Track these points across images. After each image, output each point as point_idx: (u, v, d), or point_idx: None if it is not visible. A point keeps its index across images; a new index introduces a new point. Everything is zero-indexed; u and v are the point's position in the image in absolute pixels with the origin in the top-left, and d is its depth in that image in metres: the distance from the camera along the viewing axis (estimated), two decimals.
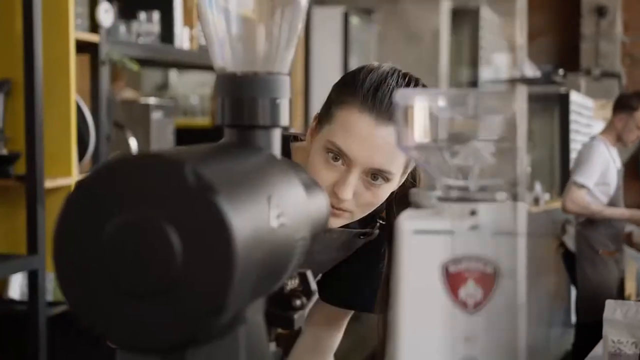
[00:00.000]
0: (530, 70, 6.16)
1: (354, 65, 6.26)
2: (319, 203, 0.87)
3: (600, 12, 9.34)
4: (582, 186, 4.22)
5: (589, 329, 4.31)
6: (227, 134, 0.84)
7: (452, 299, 0.70)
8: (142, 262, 0.63)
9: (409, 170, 1.36)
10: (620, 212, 4.38)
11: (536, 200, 6.28)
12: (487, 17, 7.62)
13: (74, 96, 2.56)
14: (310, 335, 1.46)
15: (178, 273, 0.62)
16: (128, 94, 4.05)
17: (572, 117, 7.18)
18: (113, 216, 0.63)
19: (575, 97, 7.21)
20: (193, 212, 0.62)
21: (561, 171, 7.37)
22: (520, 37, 6.52)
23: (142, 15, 3.14)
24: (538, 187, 6.63)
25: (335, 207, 1.29)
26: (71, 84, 2.54)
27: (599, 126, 8.48)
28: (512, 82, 5.67)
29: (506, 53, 7.78)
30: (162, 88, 5.61)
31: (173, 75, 5.66)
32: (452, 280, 0.70)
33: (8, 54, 2.50)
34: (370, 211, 1.33)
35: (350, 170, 1.27)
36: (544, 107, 6.55)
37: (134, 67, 2.89)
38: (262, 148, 0.81)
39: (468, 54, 7.56)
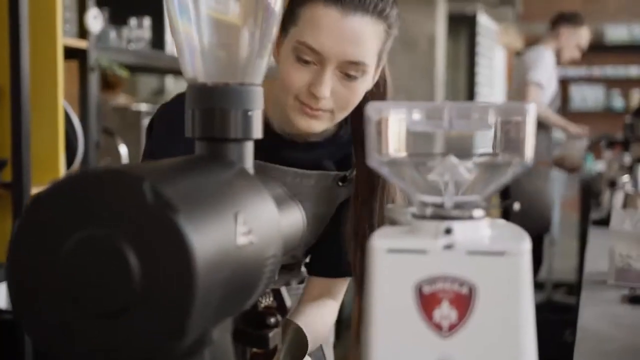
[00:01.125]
0: None
1: None
2: (292, 218, 0.84)
3: None
4: (540, 86, 4.26)
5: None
6: (198, 146, 0.82)
7: (426, 321, 0.67)
8: (100, 281, 0.60)
9: (382, 64, 1.33)
10: (564, 122, 4.48)
11: None
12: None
13: (61, 102, 2.53)
14: (309, 311, 1.41)
15: (136, 293, 0.59)
16: (122, 99, 4.03)
17: (478, 39, 7.29)
18: (71, 232, 0.61)
19: (482, 20, 7.30)
20: (152, 230, 0.59)
21: (467, 93, 7.51)
22: None
23: (133, 21, 3.11)
24: None
25: (314, 108, 1.26)
26: (59, 90, 2.51)
27: (500, 51, 8.63)
28: None
29: None
30: (158, 93, 5.58)
31: (169, 80, 5.63)
32: (426, 301, 0.67)
33: None
34: (348, 110, 1.30)
35: (324, 67, 1.24)
36: (452, 27, 6.63)
37: (124, 73, 2.87)
38: (233, 162, 0.78)
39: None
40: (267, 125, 1.37)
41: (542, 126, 4.38)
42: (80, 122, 2.68)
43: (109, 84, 3.89)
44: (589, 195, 4.93)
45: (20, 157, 2.37)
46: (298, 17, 1.25)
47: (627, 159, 4.11)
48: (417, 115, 0.70)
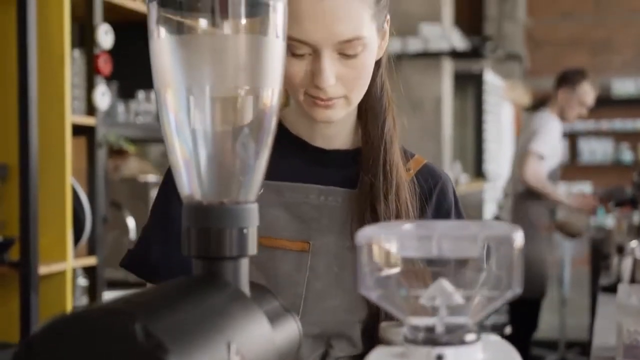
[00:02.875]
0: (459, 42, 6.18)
1: None
2: (287, 332, 0.85)
3: None
4: (541, 157, 4.24)
5: (522, 305, 4.28)
6: (194, 264, 0.82)
7: None
8: None
9: (386, 25, 1.25)
10: (562, 196, 4.46)
11: (456, 181, 6.31)
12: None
13: (69, 180, 2.56)
14: None
15: None
16: (133, 164, 4.06)
17: (485, 97, 7.33)
18: None
19: (488, 77, 7.34)
20: None
21: (475, 151, 7.52)
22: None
23: (141, 94, 3.15)
24: (458, 167, 6.68)
25: (325, 99, 1.17)
26: (67, 168, 2.54)
27: (507, 106, 8.69)
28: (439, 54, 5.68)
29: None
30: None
31: None
32: None
33: (3, 138, 2.51)
34: (363, 89, 1.20)
35: (319, 55, 1.14)
36: (458, 85, 6.65)
37: (130, 148, 2.90)
38: (228, 282, 0.79)
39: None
40: (295, 137, 1.29)
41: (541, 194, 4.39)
42: (88, 197, 2.70)
43: (119, 150, 3.92)
44: (599, 255, 4.91)
45: (28, 236, 2.39)
46: None
47: (637, 217, 4.10)
48: (407, 242, 0.71)
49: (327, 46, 1.14)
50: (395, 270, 0.73)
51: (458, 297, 0.71)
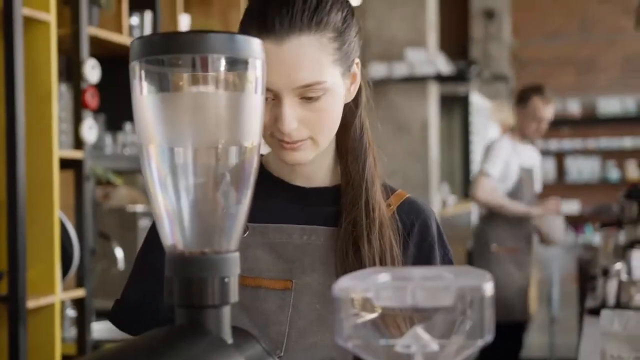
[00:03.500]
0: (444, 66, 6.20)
1: None
2: None
3: (489, 15, 9.58)
4: (488, 174, 4.26)
5: (506, 328, 4.28)
6: (177, 313, 0.85)
7: None
8: None
9: (355, 68, 1.25)
10: (522, 207, 4.34)
11: (444, 203, 6.33)
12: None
13: (57, 214, 2.57)
14: None
15: None
16: (122, 192, 4.07)
17: (471, 118, 7.38)
18: None
19: (474, 99, 7.41)
20: None
21: (463, 172, 7.57)
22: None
23: (128, 126, 3.18)
24: (445, 188, 6.71)
25: (290, 142, 1.19)
26: (55, 202, 2.56)
27: (494, 127, 8.76)
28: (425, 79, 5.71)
29: None
30: None
31: None
32: None
33: None
34: (329, 131, 1.22)
35: (280, 100, 1.16)
36: (445, 107, 6.69)
37: (118, 181, 2.92)
38: (209, 331, 0.81)
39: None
40: (276, 179, 1.32)
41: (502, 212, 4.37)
42: (76, 230, 2.71)
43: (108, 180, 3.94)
44: (586, 274, 4.93)
45: (16, 270, 2.40)
46: None
47: (622, 238, 4.13)
48: (383, 292, 0.73)
49: (287, 91, 1.16)
50: (372, 319, 0.75)
51: (433, 345, 0.74)
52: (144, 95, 0.84)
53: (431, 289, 0.73)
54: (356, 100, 1.30)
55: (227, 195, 0.87)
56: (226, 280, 0.84)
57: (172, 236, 0.86)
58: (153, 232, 1.33)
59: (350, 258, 1.24)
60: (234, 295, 0.85)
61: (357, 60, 1.27)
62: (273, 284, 1.25)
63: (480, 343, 0.73)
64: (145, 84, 0.84)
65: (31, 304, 2.47)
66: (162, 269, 1.20)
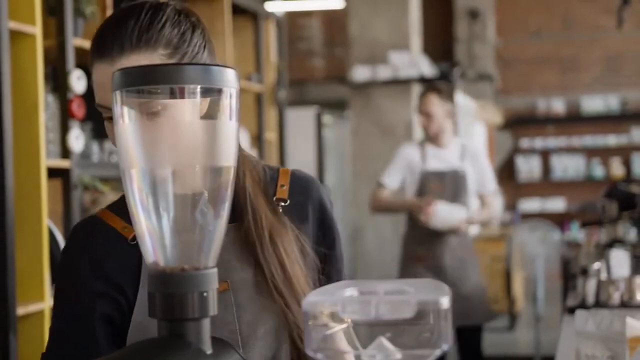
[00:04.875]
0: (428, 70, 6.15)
1: (328, 161, 6.43)
2: None
3: (473, 15, 9.67)
4: (382, 185, 4.19)
5: (465, 332, 4.26)
6: (159, 326, 0.91)
7: None
8: None
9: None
10: (408, 200, 4.17)
11: None
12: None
13: (45, 222, 2.62)
14: None
15: None
16: (110, 198, 4.11)
17: (457, 118, 7.42)
18: None
19: (459, 99, 7.47)
20: None
21: None
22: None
23: None
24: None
25: None
26: (43, 211, 2.60)
27: (479, 127, 8.83)
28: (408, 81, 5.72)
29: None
30: None
31: None
32: None
33: None
34: None
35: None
36: None
37: (105, 189, 2.97)
38: (189, 342, 0.87)
39: None
40: None
41: (411, 220, 4.20)
42: (64, 237, 2.76)
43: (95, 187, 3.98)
44: (570, 272, 4.99)
45: (5, 277, 2.45)
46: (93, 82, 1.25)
47: (604, 236, 4.19)
48: (348, 306, 0.79)
49: None
50: (338, 330, 0.81)
51: (397, 354, 0.80)
52: (125, 122, 0.90)
53: (394, 302, 0.79)
54: None
55: (205, 215, 0.93)
56: (205, 294, 0.90)
57: (153, 254, 0.92)
58: (72, 273, 1.30)
59: (267, 249, 1.28)
60: (212, 308, 0.91)
61: None
62: None
63: (438, 352, 0.79)
64: (126, 112, 0.89)
65: (21, 310, 2.52)
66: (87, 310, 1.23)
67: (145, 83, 0.89)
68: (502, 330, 6.97)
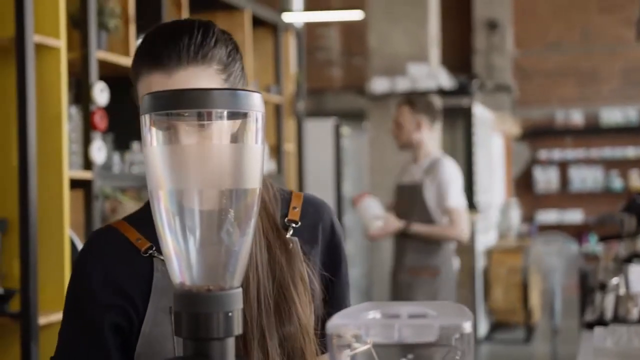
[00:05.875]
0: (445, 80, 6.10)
1: (347, 172, 6.44)
2: None
3: (492, 26, 9.64)
4: None
5: None
6: (184, 345, 0.92)
7: None
8: None
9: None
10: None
11: None
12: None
13: (67, 232, 2.65)
14: None
15: None
16: (129, 207, 4.14)
17: (474, 129, 7.43)
18: None
19: (477, 110, 7.46)
20: None
21: (467, 183, 7.61)
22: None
23: (136, 145, 3.26)
24: None
25: None
26: (65, 221, 2.64)
27: (497, 137, 8.79)
28: (427, 93, 5.72)
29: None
30: None
31: None
32: None
33: (4, 194, 2.61)
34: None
35: (175, 130, 1.12)
36: (448, 119, 6.72)
37: (125, 199, 3.00)
38: None
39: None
40: None
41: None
42: None
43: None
44: (587, 285, 4.98)
45: (28, 287, 2.48)
46: (139, 93, 1.26)
47: (622, 250, 4.17)
48: (372, 329, 0.81)
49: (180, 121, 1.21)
50: (361, 352, 0.83)
51: None
52: (153, 145, 0.92)
53: (416, 326, 0.81)
54: None
55: (231, 235, 0.95)
56: (230, 314, 0.91)
57: (180, 274, 0.94)
58: (83, 280, 1.31)
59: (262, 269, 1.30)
60: (237, 328, 0.92)
61: None
62: None
63: None
64: (154, 136, 0.91)
65: (43, 320, 2.55)
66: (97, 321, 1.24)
67: (174, 107, 0.91)
68: (519, 343, 6.95)
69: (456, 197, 4.11)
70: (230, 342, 0.92)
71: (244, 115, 0.91)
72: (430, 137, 4.25)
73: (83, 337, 1.29)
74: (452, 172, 4.17)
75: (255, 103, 0.92)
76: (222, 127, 0.90)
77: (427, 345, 0.81)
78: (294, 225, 1.35)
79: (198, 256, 0.93)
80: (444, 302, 0.87)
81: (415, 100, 4.32)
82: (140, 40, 1.30)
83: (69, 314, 1.33)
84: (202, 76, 1.24)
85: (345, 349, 0.82)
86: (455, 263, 4.34)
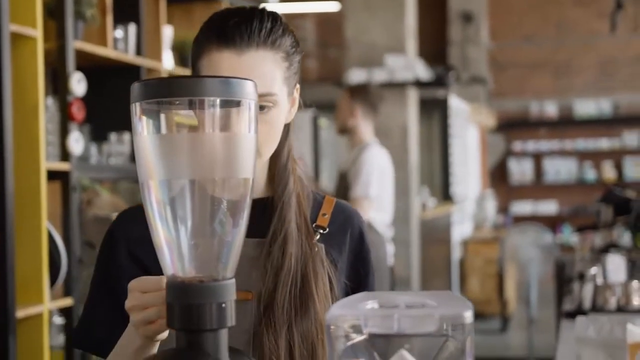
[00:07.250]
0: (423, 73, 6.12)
1: (324, 165, 6.44)
2: None
3: (467, 18, 9.70)
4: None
5: None
6: (177, 336, 0.91)
7: None
8: None
9: (296, 93, 1.33)
10: None
11: (423, 206, 6.38)
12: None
13: (45, 224, 2.62)
14: None
15: None
16: (105, 199, 4.10)
17: (450, 121, 7.49)
18: None
19: (453, 102, 7.52)
20: None
21: (442, 175, 7.69)
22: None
23: (113, 136, 3.22)
24: (425, 191, 6.79)
25: None
26: (42, 213, 2.60)
27: (472, 129, 8.85)
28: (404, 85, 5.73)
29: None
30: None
31: None
32: None
33: None
34: (272, 144, 1.28)
35: None
36: (424, 111, 6.75)
37: (103, 192, 2.97)
38: (207, 353, 0.88)
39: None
40: None
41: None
42: (63, 240, 2.76)
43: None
44: (563, 276, 4.99)
45: (5, 280, 2.44)
46: (199, 70, 1.27)
47: (598, 240, 4.19)
48: (370, 320, 0.80)
49: None
50: (359, 342, 0.82)
51: None
52: (144, 134, 0.90)
53: (416, 316, 0.80)
54: (288, 123, 1.36)
55: (224, 225, 0.93)
56: (223, 305, 0.90)
57: (172, 266, 0.92)
58: (106, 252, 1.34)
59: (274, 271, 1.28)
60: (230, 319, 0.91)
61: (298, 86, 1.34)
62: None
63: None
64: (144, 124, 0.90)
65: (20, 313, 2.51)
66: (120, 290, 1.23)
67: (165, 95, 0.89)
68: (495, 333, 6.99)
69: (363, 187, 4.04)
70: (224, 334, 0.91)
71: (237, 104, 0.90)
72: (366, 124, 4.24)
73: (106, 299, 1.30)
74: (372, 161, 4.12)
75: (249, 91, 0.90)
76: (214, 115, 0.88)
77: (426, 335, 0.80)
78: (321, 231, 1.34)
79: (190, 247, 0.91)
80: (442, 291, 0.86)
81: (355, 89, 4.39)
82: (207, 20, 1.30)
83: (94, 283, 1.34)
84: (269, 60, 1.25)
85: (342, 339, 0.81)
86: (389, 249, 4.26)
